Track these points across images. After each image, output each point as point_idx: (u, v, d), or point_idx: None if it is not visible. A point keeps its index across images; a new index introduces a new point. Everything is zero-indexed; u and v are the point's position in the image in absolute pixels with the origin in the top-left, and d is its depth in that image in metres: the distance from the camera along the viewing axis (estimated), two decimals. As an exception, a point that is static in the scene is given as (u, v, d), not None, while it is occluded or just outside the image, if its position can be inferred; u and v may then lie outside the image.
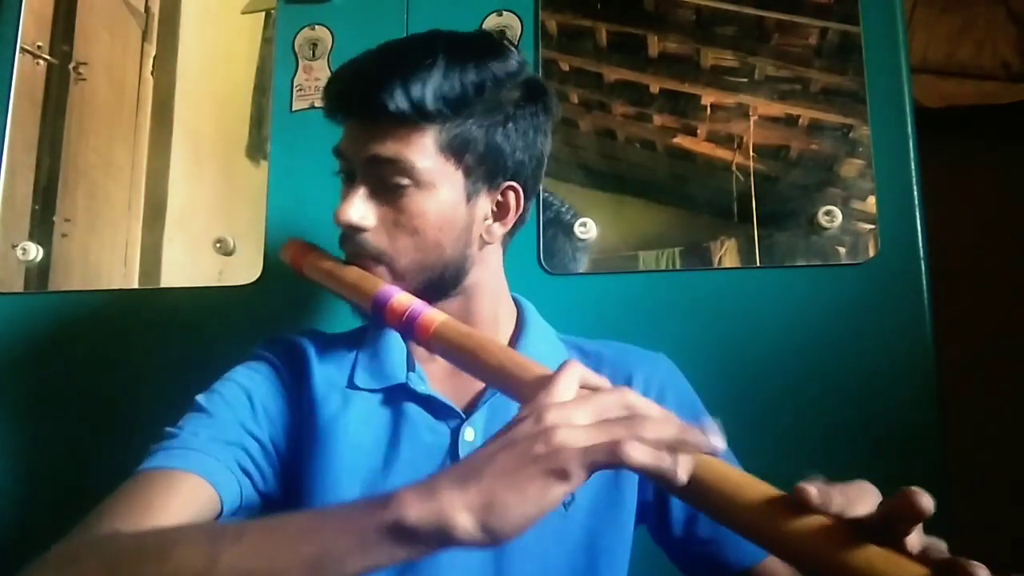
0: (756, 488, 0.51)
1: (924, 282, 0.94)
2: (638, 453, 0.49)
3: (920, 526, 0.46)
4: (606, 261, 1.02)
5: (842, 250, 0.97)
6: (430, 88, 0.70)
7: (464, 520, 0.48)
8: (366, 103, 0.71)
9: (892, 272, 0.95)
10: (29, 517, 1.03)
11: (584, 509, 0.74)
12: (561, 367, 0.56)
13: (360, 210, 0.73)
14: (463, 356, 0.64)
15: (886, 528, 0.45)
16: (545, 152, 0.80)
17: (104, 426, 1.04)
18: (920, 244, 0.95)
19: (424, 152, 0.71)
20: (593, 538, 0.73)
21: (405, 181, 0.71)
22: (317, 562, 0.49)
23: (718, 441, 0.52)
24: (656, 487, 0.77)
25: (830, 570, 0.46)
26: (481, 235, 0.76)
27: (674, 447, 0.50)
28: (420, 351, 0.79)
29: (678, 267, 1.01)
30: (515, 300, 0.85)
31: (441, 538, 0.48)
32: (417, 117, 0.70)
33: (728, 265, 0.99)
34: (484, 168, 0.74)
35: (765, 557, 0.74)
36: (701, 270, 1.00)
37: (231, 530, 0.56)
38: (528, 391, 0.56)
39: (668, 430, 0.51)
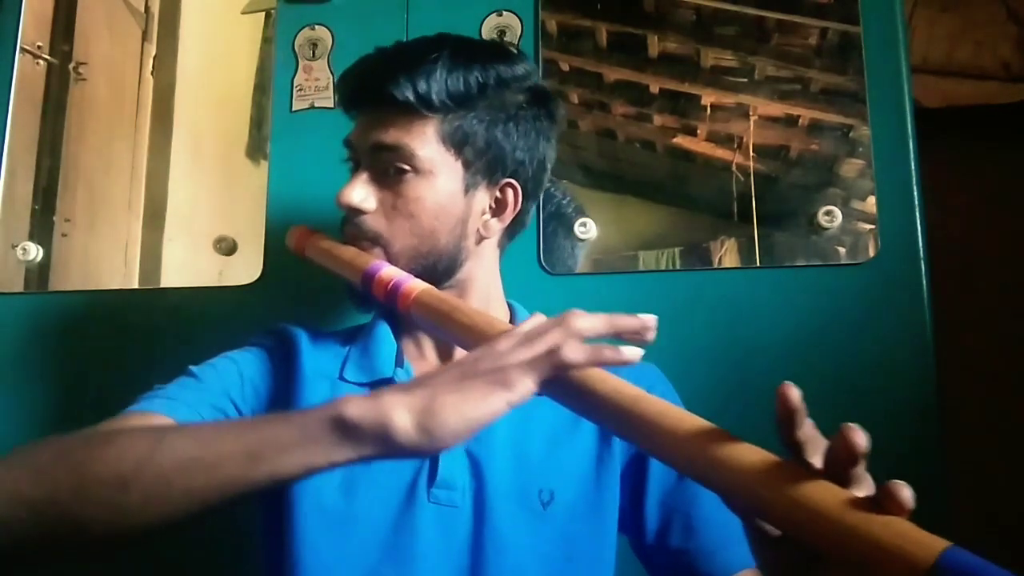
0: (694, 421, 0.51)
1: (924, 282, 0.94)
2: (574, 352, 0.52)
3: (868, 479, 0.46)
4: (606, 261, 1.02)
5: (842, 250, 0.97)
6: (434, 80, 0.73)
7: (403, 418, 0.50)
8: (373, 93, 0.76)
9: (892, 272, 0.95)
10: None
11: (563, 510, 0.73)
12: (527, 319, 0.59)
13: (361, 193, 0.76)
14: (439, 319, 0.67)
15: (831, 472, 0.45)
16: (548, 157, 0.83)
17: (104, 426, 1.04)
18: (920, 244, 0.95)
19: (425, 141, 0.74)
20: (571, 540, 0.73)
21: (405, 167, 0.75)
22: (256, 452, 0.51)
23: (648, 320, 0.55)
24: (632, 492, 0.77)
25: (761, 496, 0.46)
26: (478, 229, 0.78)
27: (608, 332, 0.54)
28: (411, 349, 0.81)
29: (678, 267, 1.01)
30: (510, 306, 0.85)
31: (379, 435, 0.50)
32: (420, 107, 0.73)
33: (728, 265, 0.99)
34: (483, 162, 0.77)
35: (738, 570, 0.73)
36: (701, 270, 1.00)
37: (180, 425, 0.61)
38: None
39: (598, 320, 0.54)
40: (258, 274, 1.06)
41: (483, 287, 0.81)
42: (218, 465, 0.51)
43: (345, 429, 0.50)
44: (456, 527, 0.71)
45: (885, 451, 0.95)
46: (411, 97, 0.73)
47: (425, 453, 0.51)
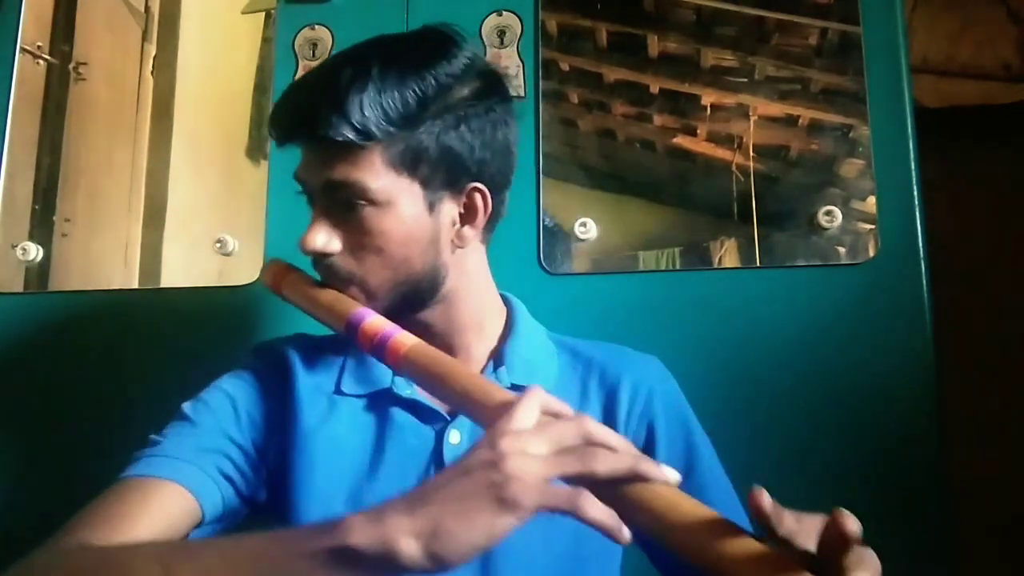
0: (699, 512, 0.51)
1: (924, 282, 0.94)
2: (592, 510, 0.49)
3: (872, 560, 0.46)
4: (606, 261, 1.02)
5: (842, 250, 0.97)
6: (367, 108, 0.67)
7: (409, 546, 0.48)
8: (307, 133, 0.70)
9: (892, 272, 0.95)
10: (28, 516, 1.03)
11: None
12: (524, 394, 0.57)
13: (323, 237, 0.71)
14: (431, 380, 0.65)
15: (826, 561, 0.45)
16: (511, 140, 0.77)
17: (104, 426, 1.04)
18: (920, 244, 0.95)
19: (375, 172, 0.69)
20: (580, 542, 0.73)
21: (361, 202, 0.70)
22: None
23: (671, 474, 0.53)
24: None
25: None
26: (452, 240, 0.74)
27: (628, 478, 0.52)
28: None
29: (678, 267, 1.01)
30: (505, 299, 0.84)
31: (386, 563, 0.49)
32: (360, 140, 0.68)
33: (728, 265, 0.99)
34: (442, 175, 0.72)
35: None
36: (701, 270, 1.00)
37: (186, 550, 0.59)
38: (490, 417, 0.57)
39: (622, 462, 0.52)
40: (258, 274, 1.06)
41: (472, 292, 0.78)
42: None
43: (350, 557, 0.49)
44: None
45: (885, 451, 0.95)
46: (349, 135, 0.67)
47: (432, 573, 0.49)
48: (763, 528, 0.47)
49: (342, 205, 0.71)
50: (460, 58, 0.73)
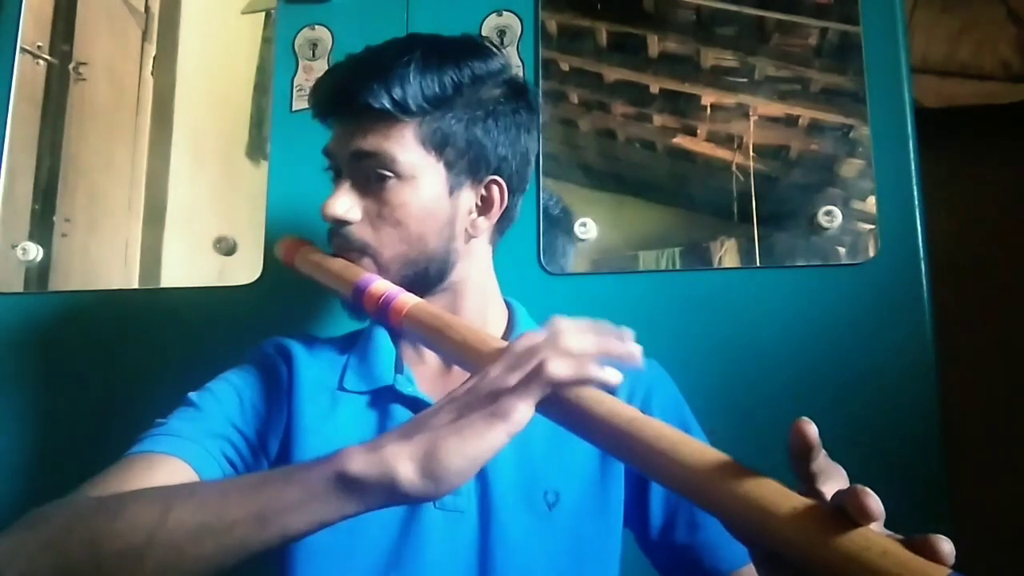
0: (692, 444, 0.51)
1: (924, 282, 0.94)
2: (558, 367, 0.52)
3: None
4: (606, 261, 1.02)
5: (842, 250, 0.97)
6: (408, 85, 0.73)
7: (406, 469, 0.50)
8: (348, 102, 0.75)
9: (892, 272, 0.95)
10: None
11: (569, 510, 0.74)
12: (517, 338, 0.58)
13: (345, 204, 0.75)
14: (431, 335, 0.66)
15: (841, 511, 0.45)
16: (531, 149, 0.82)
17: (104, 426, 1.04)
18: (920, 244, 0.95)
19: (404, 145, 0.74)
20: (579, 539, 0.73)
21: (387, 173, 0.74)
22: (264, 515, 0.51)
23: (635, 349, 0.56)
24: (636, 488, 0.77)
25: (793, 541, 0.45)
26: (466, 229, 0.78)
27: (596, 353, 0.53)
28: (409, 354, 0.81)
29: (678, 267, 1.01)
30: (507, 303, 0.85)
31: (385, 488, 0.50)
32: (397, 112, 0.73)
33: (728, 265, 0.99)
34: (466, 161, 0.76)
35: (743, 565, 0.73)
36: (701, 270, 1.00)
37: (185, 488, 0.60)
38: (485, 363, 0.58)
39: (585, 339, 0.54)
40: (258, 274, 1.06)
41: (478, 287, 0.81)
42: (228, 531, 0.51)
43: (350, 485, 0.50)
44: (463, 532, 0.71)
45: (885, 451, 0.95)
46: (387, 104, 0.72)
47: (433, 497, 0.51)
48: (798, 458, 0.46)
49: (367, 176, 0.75)
50: (495, 62, 0.79)
